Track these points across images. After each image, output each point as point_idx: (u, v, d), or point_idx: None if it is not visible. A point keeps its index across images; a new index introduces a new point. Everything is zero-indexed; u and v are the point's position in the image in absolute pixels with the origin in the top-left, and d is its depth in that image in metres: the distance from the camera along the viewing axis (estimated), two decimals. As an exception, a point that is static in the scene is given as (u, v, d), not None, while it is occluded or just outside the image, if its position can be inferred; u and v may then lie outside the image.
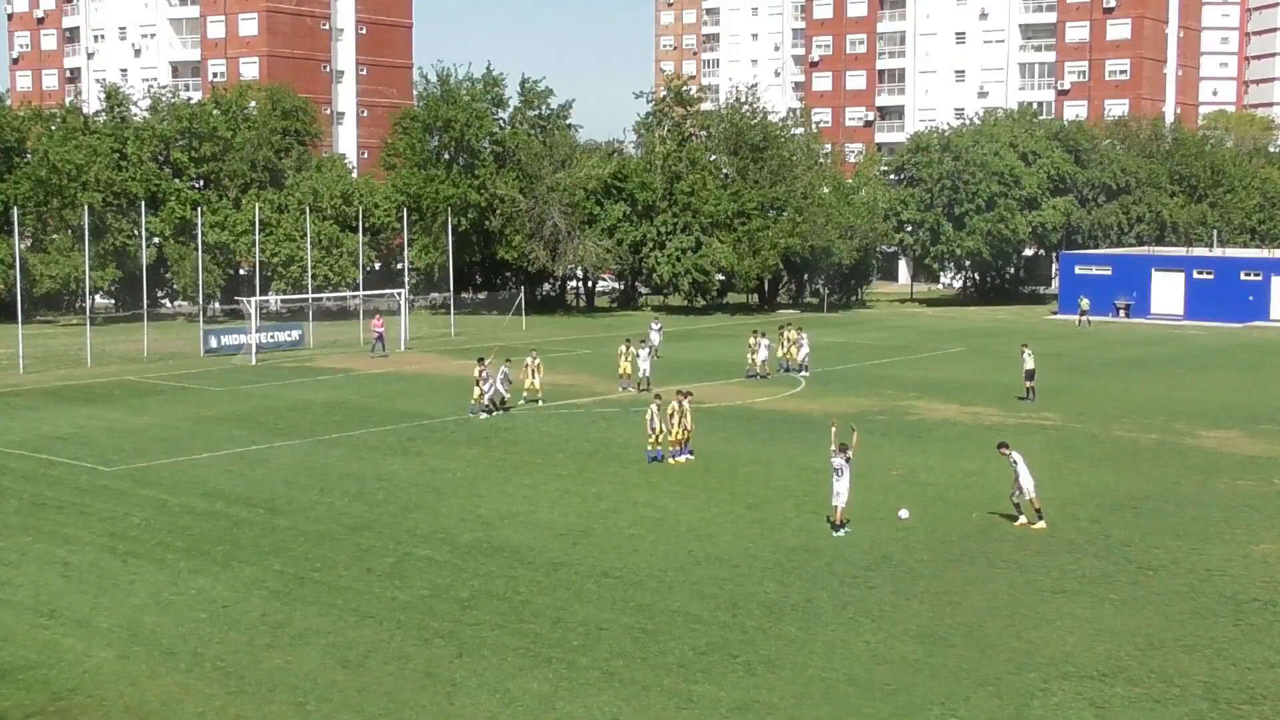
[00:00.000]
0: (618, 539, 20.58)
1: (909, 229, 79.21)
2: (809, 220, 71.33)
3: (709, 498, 23.50)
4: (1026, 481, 21.05)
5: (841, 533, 20.63)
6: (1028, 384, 35.59)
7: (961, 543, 20.37)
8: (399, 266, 67.44)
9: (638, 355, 36.69)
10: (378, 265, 70.74)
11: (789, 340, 40.57)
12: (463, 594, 17.73)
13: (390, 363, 44.78)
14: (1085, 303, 63.16)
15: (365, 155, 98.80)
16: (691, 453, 26.76)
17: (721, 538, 20.66)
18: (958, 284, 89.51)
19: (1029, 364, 35.75)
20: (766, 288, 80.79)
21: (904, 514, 21.74)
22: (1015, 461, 21.16)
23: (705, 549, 19.99)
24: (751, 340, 41.15)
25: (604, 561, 19.25)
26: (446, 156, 69.71)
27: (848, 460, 20.90)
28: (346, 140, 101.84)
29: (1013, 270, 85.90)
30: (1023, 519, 21.24)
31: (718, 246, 70.16)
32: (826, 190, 75.93)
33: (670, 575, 18.59)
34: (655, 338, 43.63)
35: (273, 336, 51.09)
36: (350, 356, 47.23)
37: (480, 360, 33.22)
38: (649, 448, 26.30)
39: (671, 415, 26.23)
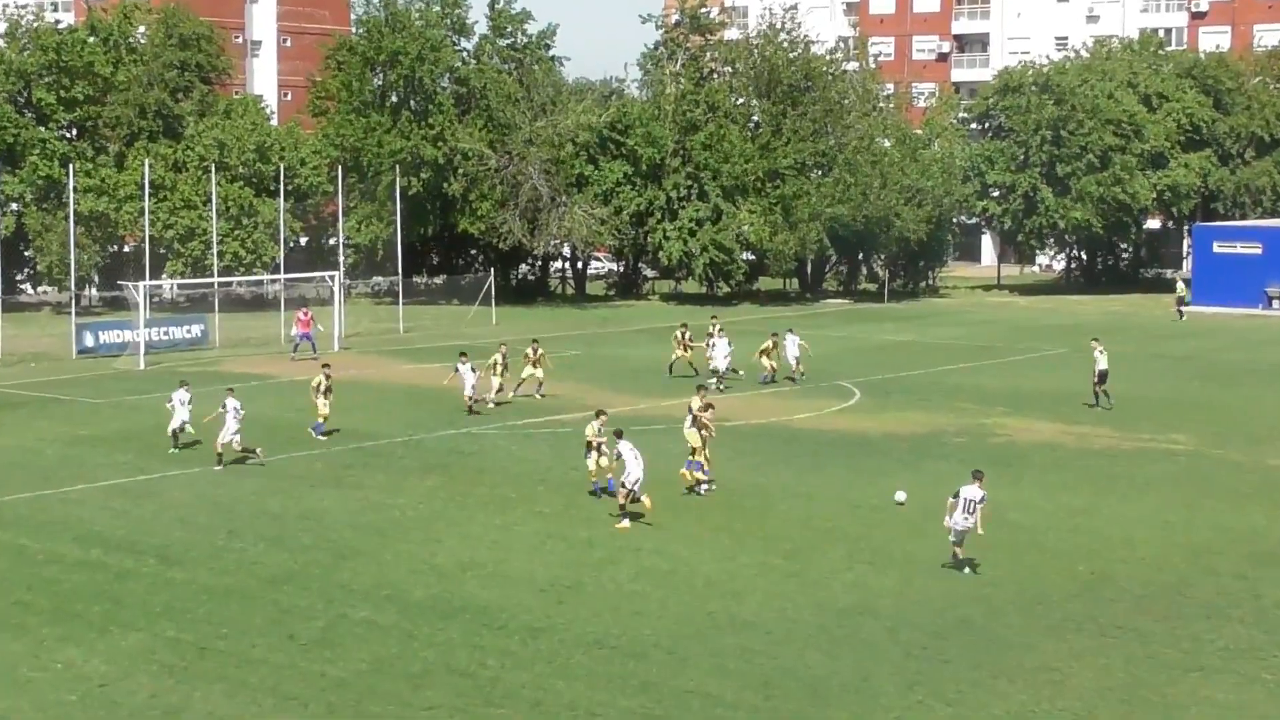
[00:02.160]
0: (615, 597, 20.55)
1: (996, 194, 79.16)
2: (864, 183, 71.36)
3: (735, 543, 23.47)
4: (633, 469, 23.92)
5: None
6: (1098, 387, 36.80)
7: (1064, 604, 20.35)
8: (332, 242, 67.46)
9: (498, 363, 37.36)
10: (304, 240, 70.64)
11: (705, 340, 42.44)
12: (413, 668, 17.72)
13: (319, 366, 44.75)
14: (1182, 287, 63.31)
15: (288, 97, 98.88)
16: (711, 481, 26.72)
17: (750, 596, 20.65)
18: (1059, 266, 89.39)
19: (1101, 364, 36.85)
20: (809, 271, 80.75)
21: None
22: (619, 452, 24.13)
23: (729, 610, 19.97)
24: (770, 343, 41.25)
25: (597, 626, 19.22)
26: (394, 99, 69.76)
27: (982, 498, 21.42)
28: (264, 78, 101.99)
29: (1131, 248, 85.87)
30: (624, 523, 23.88)
31: (744, 217, 70.24)
32: (887, 143, 75.91)
33: (683, 645, 18.57)
34: (722, 361, 42.34)
35: (167, 333, 51.10)
36: (268, 359, 47.26)
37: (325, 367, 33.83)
38: (594, 479, 26.33)
39: (704, 425, 26.47)
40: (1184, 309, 62.52)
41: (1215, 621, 19.64)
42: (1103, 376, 36.87)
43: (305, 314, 47.76)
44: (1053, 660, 18.08)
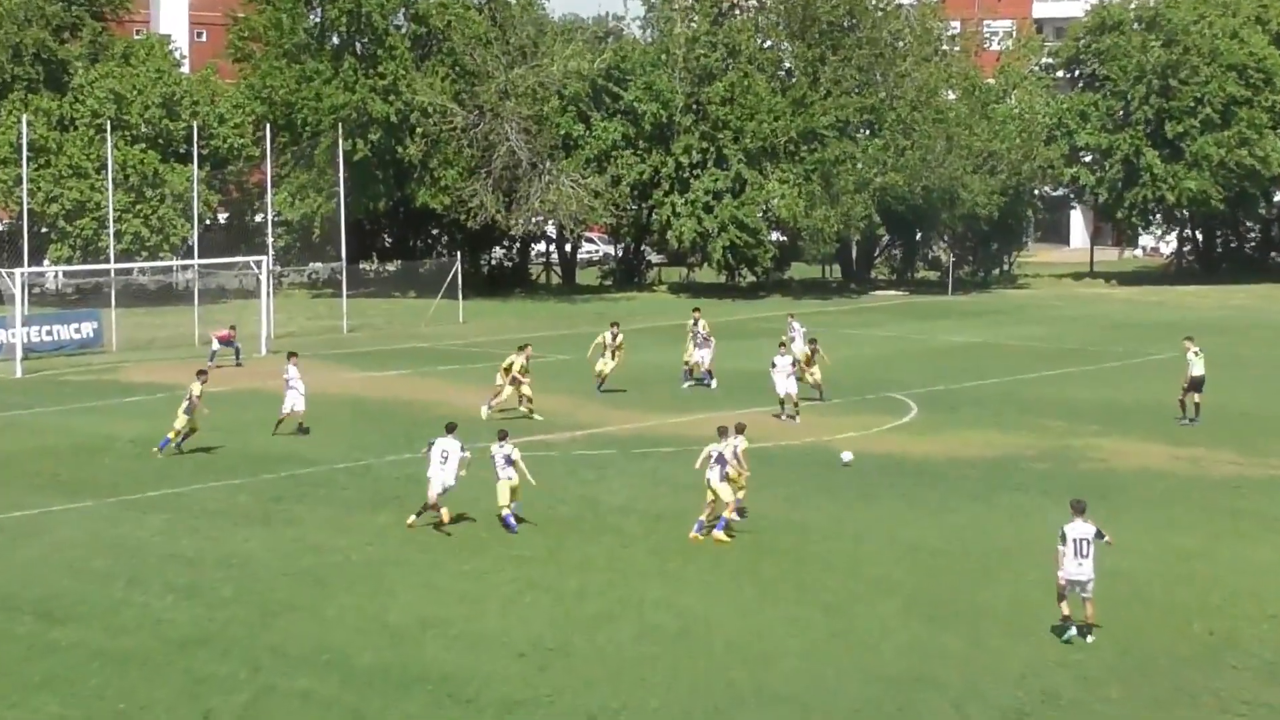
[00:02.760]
0: (614, 663, 20.54)
1: (1088, 159, 79.17)
2: (923, 145, 71.39)
3: (762, 594, 23.45)
4: (436, 476, 26.75)
5: None
6: (1190, 398, 37.35)
7: (1175, 671, 20.31)
8: (258, 219, 67.45)
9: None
10: (223, 218, 70.63)
11: (689, 337, 43.91)
12: (360, 752, 17.70)
13: (244, 374, 44.83)
14: None
15: (203, 38, 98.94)
16: (729, 523, 26.71)
17: (782, 660, 20.64)
18: (1169, 249, 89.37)
19: (1196, 369, 37.36)
20: (855, 255, 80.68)
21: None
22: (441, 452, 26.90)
23: (756, 679, 19.96)
24: (808, 350, 41.23)
25: (590, 700, 19.20)
26: (335, 41, 69.77)
27: (1103, 536, 21.44)
28: (172, 14, 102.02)
29: (1260, 227, 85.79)
30: (412, 519, 27.09)
31: (773, 188, 70.25)
32: (952, 96, 75.91)
33: (699, 722, 18.56)
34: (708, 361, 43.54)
35: (51, 332, 51.09)
36: (177, 365, 47.19)
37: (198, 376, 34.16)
38: (505, 510, 27.02)
39: (714, 458, 26.36)
40: None
41: (1364, 693, 19.59)
42: (1196, 384, 37.30)
43: (226, 332, 47.57)
44: (1161, 741, 18.04)
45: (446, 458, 26.80)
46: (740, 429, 27.68)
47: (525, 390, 37.76)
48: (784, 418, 37.68)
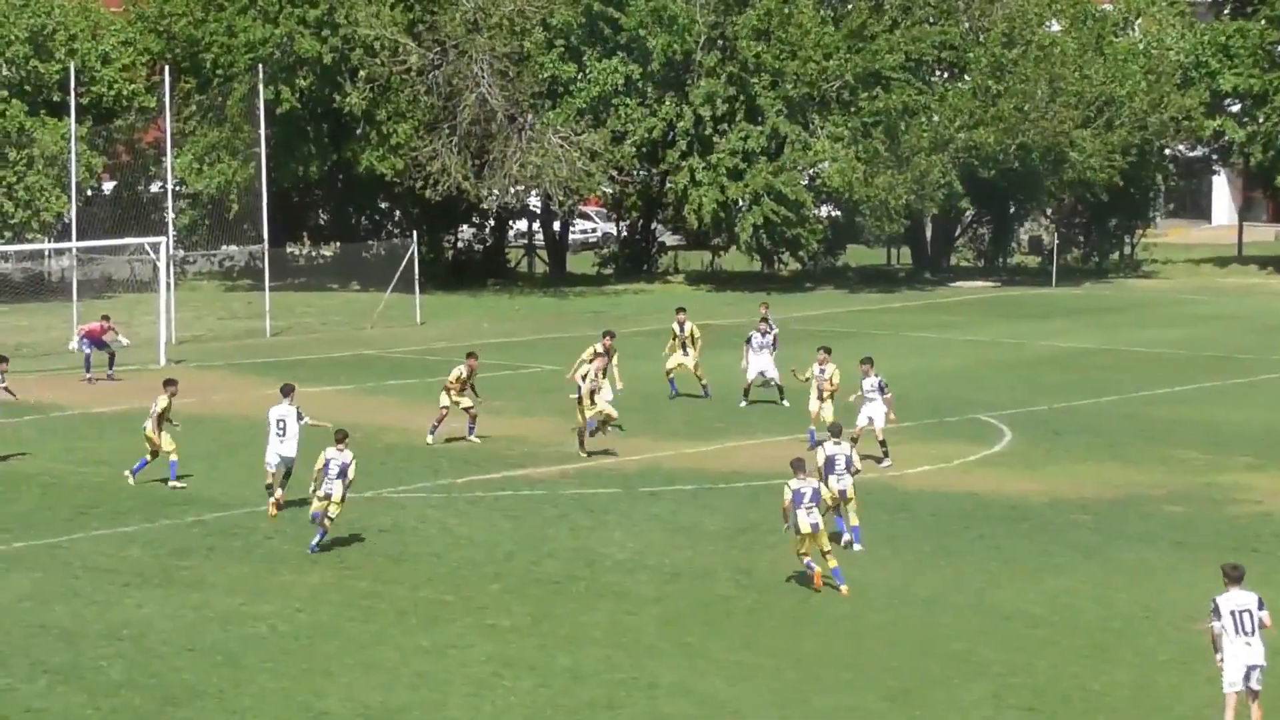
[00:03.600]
0: (615, 764, 20.59)
1: (1236, 108, 78.85)
2: (1019, 91, 71.19)
3: (806, 676, 23.46)
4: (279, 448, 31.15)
5: None
6: None
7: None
8: (155, 189, 67.42)
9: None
10: (109, 187, 70.55)
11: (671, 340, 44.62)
12: None
13: (132, 390, 44.82)
14: None
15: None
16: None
17: (835, 762, 20.68)
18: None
19: None
20: (930, 235, 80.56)
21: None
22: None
23: (801, 785, 20.00)
24: (811, 368, 38.80)
25: (586, 811, 19.26)
26: (253, -43, 69.86)
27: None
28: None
29: None
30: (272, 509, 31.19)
31: (823, 148, 70.04)
32: (1057, 27, 75.67)
33: (727, 841, 18.60)
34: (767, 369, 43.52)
35: (-113, 337, 51.28)
36: (51, 378, 47.26)
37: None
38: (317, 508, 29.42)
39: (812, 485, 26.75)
40: None
41: None
42: None
43: (99, 327, 47.41)
44: None
45: (284, 428, 30.97)
46: (838, 431, 29.21)
47: (603, 394, 37.44)
48: (886, 462, 36.32)
